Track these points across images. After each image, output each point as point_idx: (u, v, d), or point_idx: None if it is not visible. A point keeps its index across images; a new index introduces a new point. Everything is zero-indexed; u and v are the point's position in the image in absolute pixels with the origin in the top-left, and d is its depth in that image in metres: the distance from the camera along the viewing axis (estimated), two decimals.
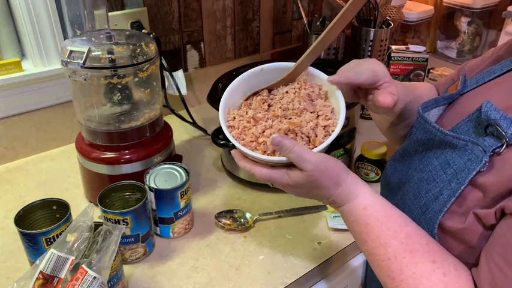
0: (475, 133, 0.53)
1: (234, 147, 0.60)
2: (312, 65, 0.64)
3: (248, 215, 0.81)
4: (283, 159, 0.54)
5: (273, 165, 0.56)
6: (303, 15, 1.20)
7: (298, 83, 0.63)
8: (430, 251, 0.50)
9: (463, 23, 1.53)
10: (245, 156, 0.59)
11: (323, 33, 0.59)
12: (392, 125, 0.73)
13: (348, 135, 0.88)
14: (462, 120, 0.55)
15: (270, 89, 0.65)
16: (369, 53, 1.23)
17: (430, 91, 0.77)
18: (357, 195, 0.54)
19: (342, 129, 0.87)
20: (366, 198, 0.54)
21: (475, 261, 0.50)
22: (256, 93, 0.65)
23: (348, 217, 0.55)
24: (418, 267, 0.49)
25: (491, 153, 0.48)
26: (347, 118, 0.86)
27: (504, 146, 0.47)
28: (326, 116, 0.59)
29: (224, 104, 0.62)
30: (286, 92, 0.62)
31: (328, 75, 0.61)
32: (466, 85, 0.61)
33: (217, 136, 0.85)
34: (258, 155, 0.56)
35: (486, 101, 0.51)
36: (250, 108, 0.62)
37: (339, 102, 0.59)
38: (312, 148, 0.56)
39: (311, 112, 0.59)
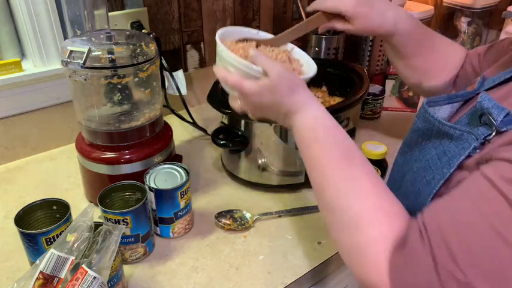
0: (472, 124, 0.54)
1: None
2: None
3: (248, 215, 0.81)
4: (260, 69, 0.62)
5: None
6: (303, 15, 1.20)
7: (282, 48, 0.77)
8: (368, 166, 0.55)
9: (463, 23, 1.53)
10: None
11: (311, 17, 0.75)
12: (406, 67, 0.82)
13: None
14: (465, 114, 0.57)
15: (257, 45, 0.75)
16: (369, 53, 1.23)
17: (451, 51, 0.81)
18: (309, 105, 0.60)
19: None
20: (317, 110, 0.60)
21: None
22: (246, 40, 0.75)
23: (299, 127, 0.60)
24: (353, 173, 0.53)
25: (483, 141, 0.49)
26: (347, 118, 0.86)
27: (494, 134, 0.48)
28: (301, 71, 0.73)
29: (220, 33, 0.70)
30: (272, 50, 0.74)
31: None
32: (484, 85, 0.62)
33: (217, 136, 0.85)
34: (240, 59, 0.64)
35: (483, 92, 0.52)
36: (241, 47, 0.71)
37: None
38: None
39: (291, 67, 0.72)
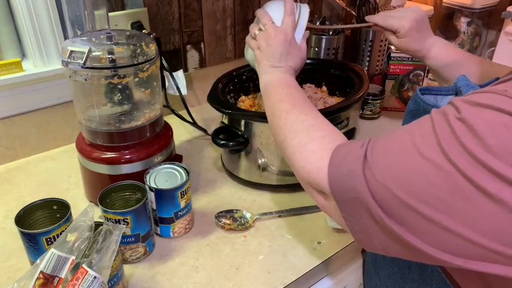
0: None
1: None
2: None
3: (248, 215, 0.81)
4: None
5: None
6: None
7: None
8: (311, 108, 0.64)
9: (462, 23, 1.53)
10: None
11: (365, 25, 0.90)
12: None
13: (347, 135, 0.88)
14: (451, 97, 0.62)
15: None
16: (369, 53, 1.23)
17: (494, 71, 0.81)
18: (289, 69, 0.73)
19: (342, 129, 0.87)
20: (289, 73, 0.73)
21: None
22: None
23: (272, 81, 0.72)
24: (302, 113, 0.62)
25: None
26: (347, 118, 0.86)
27: None
28: None
29: None
30: None
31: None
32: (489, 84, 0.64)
33: (218, 136, 0.85)
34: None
35: (462, 74, 0.58)
36: None
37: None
38: None
39: None
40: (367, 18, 0.88)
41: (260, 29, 0.77)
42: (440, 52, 0.83)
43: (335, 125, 0.83)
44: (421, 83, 1.17)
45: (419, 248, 0.41)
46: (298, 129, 0.59)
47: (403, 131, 0.45)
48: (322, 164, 0.51)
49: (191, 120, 1.05)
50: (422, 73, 1.17)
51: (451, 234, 0.39)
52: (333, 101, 0.97)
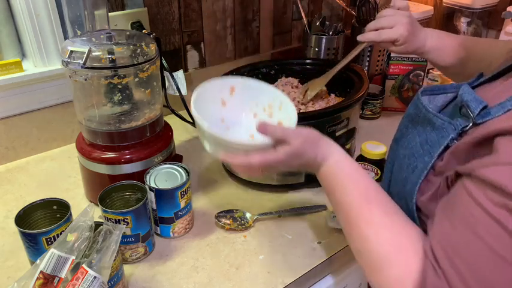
0: (454, 115, 0.56)
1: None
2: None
3: (248, 215, 0.81)
4: (268, 141, 0.59)
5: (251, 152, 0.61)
6: (303, 16, 1.20)
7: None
8: (385, 204, 0.57)
9: (462, 23, 1.53)
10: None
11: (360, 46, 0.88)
12: (449, 74, 0.91)
13: (347, 135, 0.89)
14: (450, 102, 0.60)
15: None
16: (369, 53, 1.23)
17: (492, 51, 0.82)
18: (332, 152, 0.61)
19: (342, 129, 0.87)
20: (338, 155, 0.62)
21: None
22: None
23: (326, 173, 0.61)
24: (372, 215, 0.55)
25: (460, 131, 0.52)
26: (347, 118, 0.86)
27: (470, 125, 0.51)
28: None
29: (195, 102, 0.64)
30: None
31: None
32: (478, 80, 0.63)
33: None
34: (247, 141, 0.60)
35: (464, 84, 0.55)
36: None
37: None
38: None
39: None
40: (359, 38, 0.85)
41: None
42: (434, 42, 0.83)
43: (335, 125, 0.84)
44: (421, 83, 1.17)
45: None
46: (369, 262, 0.54)
47: (469, 238, 0.44)
48: None
49: (191, 120, 1.05)
50: (422, 73, 1.17)
51: None
52: (333, 101, 0.97)
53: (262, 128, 0.60)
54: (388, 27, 0.82)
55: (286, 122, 0.67)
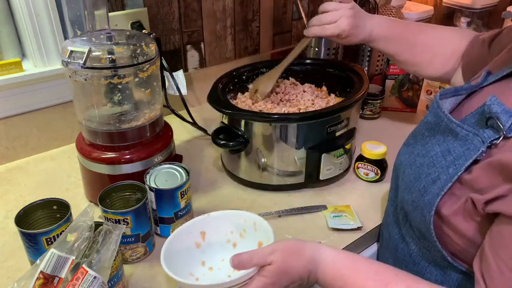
0: (479, 125, 0.55)
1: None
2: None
3: None
4: (249, 270, 0.56)
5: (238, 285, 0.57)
6: (303, 16, 1.20)
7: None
8: (402, 279, 0.53)
9: (462, 23, 1.53)
10: None
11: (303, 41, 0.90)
12: (397, 62, 0.92)
13: (347, 135, 0.89)
14: (471, 112, 0.58)
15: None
16: (369, 53, 1.23)
17: (441, 41, 0.85)
18: (321, 255, 0.57)
19: (342, 129, 0.87)
20: (329, 254, 0.57)
21: (467, 251, 0.53)
22: None
23: (325, 278, 0.57)
24: None
25: (489, 144, 0.51)
26: (347, 118, 0.86)
27: (501, 138, 0.50)
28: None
29: (164, 259, 0.62)
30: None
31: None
32: (487, 79, 0.62)
33: (218, 136, 0.85)
34: (228, 280, 0.56)
35: (492, 95, 0.53)
36: None
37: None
38: None
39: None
40: (305, 33, 0.87)
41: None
42: (382, 31, 0.85)
43: (335, 125, 0.84)
44: (421, 83, 1.17)
45: None
46: None
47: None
48: None
49: (191, 120, 1.05)
50: None
51: None
52: (333, 101, 0.97)
53: (238, 264, 0.56)
54: (331, 22, 0.82)
55: (265, 240, 0.65)
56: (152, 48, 0.77)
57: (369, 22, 0.85)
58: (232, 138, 0.85)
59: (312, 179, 0.88)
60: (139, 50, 0.75)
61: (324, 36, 0.85)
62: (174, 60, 1.14)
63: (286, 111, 0.89)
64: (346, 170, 0.93)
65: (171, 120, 0.96)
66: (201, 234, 0.68)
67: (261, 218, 0.67)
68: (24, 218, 0.64)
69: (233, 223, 0.69)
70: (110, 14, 0.95)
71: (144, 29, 1.00)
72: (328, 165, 0.86)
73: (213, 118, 1.07)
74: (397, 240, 0.69)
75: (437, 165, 0.56)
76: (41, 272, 0.55)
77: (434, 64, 0.87)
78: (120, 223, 0.66)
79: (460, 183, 0.53)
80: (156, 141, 0.82)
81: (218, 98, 0.88)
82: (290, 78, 1.05)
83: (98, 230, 0.60)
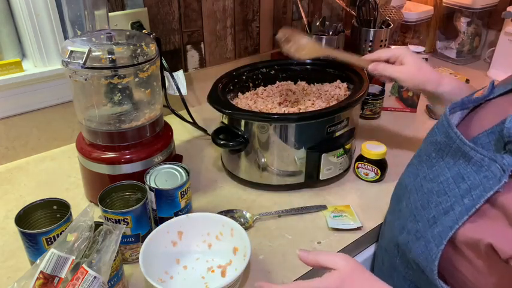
0: (495, 148, 0.50)
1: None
2: None
3: (248, 215, 0.81)
4: (229, 279, 0.59)
5: None
6: (303, 16, 1.20)
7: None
8: None
9: (462, 24, 1.53)
10: None
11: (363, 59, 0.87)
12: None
13: (347, 135, 0.89)
14: (485, 130, 0.53)
15: None
16: (369, 53, 1.23)
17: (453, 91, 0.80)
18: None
19: (342, 129, 0.87)
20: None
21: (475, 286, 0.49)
22: None
23: None
24: None
25: (511, 173, 0.46)
26: (347, 118, 0.86)
27: None
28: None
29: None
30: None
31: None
32: (493, 91, 0.58)
33: (218, 136, 0.85)
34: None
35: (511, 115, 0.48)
36: None
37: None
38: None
39: None
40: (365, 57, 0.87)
41: None
42: (448, 89, 0.80)
43: (335, 125, 0.84)
44: None
45: None
46: None
47: None
48: None
49: (191, 120, 1.05)
50: None
51: None
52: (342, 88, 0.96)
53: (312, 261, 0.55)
54: (395, 69, 0.82)
55: (241, 247, 0.67)
56: (152, 48, 0.77)
57: (438, 77, 0.81)
58: (232, 138, 0.85)
59: (311, 179, 0.88)
60: (139, 50, 0.75)
61: (387, 74, 0.83)
62: (174, 60, 1.14)
63: (286, 111, 0.89)
64: (346, 170, 0.93)
65: (171, 120, 0.96)
66: (178, 234, 0.70)
67: (240, 226, 0.69)
68: (24, 218, 0.64)
69: (211, 226, 0.71)
70: (110, 14, 0.95)
71: (144, 29, 1.00)
72: (328, 165, 0.86)
73: (213, 118, 1.07)
74: (389, 269, 0.66)
75: (449, 194, 0.51)
76: (41, 272, 0.55)
77: None
78: (120, 223, 0.66)
79: (479, 216, 0.47)
80: (156, 141, 0.83)
81: (218, 98, 0.88)
82: (299, 81, 1.04)
83: (98, 230, 0.60)
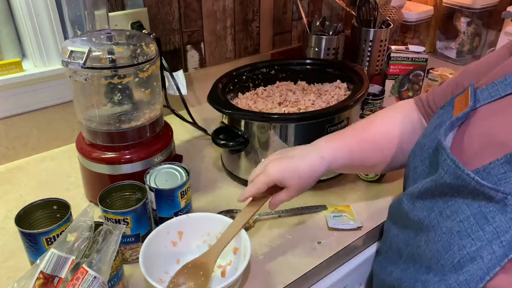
0: (507, 179, 0.45)
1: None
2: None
3: None
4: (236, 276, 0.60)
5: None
6: (303, 16, 1.20)
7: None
8: None
9: (462, 23, 1.53)
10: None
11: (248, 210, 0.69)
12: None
13: None
14: (497, 159, 0.47)
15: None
16: (369, 53, 1.23)
17: (384, 143, 0.72)
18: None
19: (342, 129, 0.87)
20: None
21: None
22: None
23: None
24: None
25: None
26: (346, 118, 0.86)
27: None
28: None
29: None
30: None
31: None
32: (478, 99, 0.53)
33: (218, 136, 0.85)
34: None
35: None
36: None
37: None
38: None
39: None
40: (240, 198, 0.69)
41: None
42: (338, 165, 0.70)
43: (335, 125, 0.84)
44: (421, 83, 1.17)
45: None
46: None
47: None
48: None
49: (191, 120, 1.05)
50: (422, 73, 1.17)
51: None
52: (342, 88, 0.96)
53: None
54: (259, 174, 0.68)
55: (241, 247, 0.67)
56: (152, 48, 0.77)
57: (313, 156, 0.68)
58: (232, 138, 0.85)
59: None
60: (139, 50, 0.75)
61: (258, 190, 0.66)
62: (174, 60, 1.15)
63: (286, 111, 0.89)
64: None
65: (171, 120, 0.96)
66: (178, 234, 0.70)
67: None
68: (24, 218, 0.64)
69: (211, 226, 0.71)
70: (110, 14, 0.95)
71: (144, 29, 1.00)
72: None
73: (213, 118, 1.07)
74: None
75: (472, 236, 0.46)
76: (41, 272, 0.55)
77: (387, 161, 0.74)
78: (120, 223, 0.66)
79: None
80: (156, 141, 0.83)
81: (218, 98, 0.88)
82: (299, 81, 1.04)
83: (98, 230, 0.60)
